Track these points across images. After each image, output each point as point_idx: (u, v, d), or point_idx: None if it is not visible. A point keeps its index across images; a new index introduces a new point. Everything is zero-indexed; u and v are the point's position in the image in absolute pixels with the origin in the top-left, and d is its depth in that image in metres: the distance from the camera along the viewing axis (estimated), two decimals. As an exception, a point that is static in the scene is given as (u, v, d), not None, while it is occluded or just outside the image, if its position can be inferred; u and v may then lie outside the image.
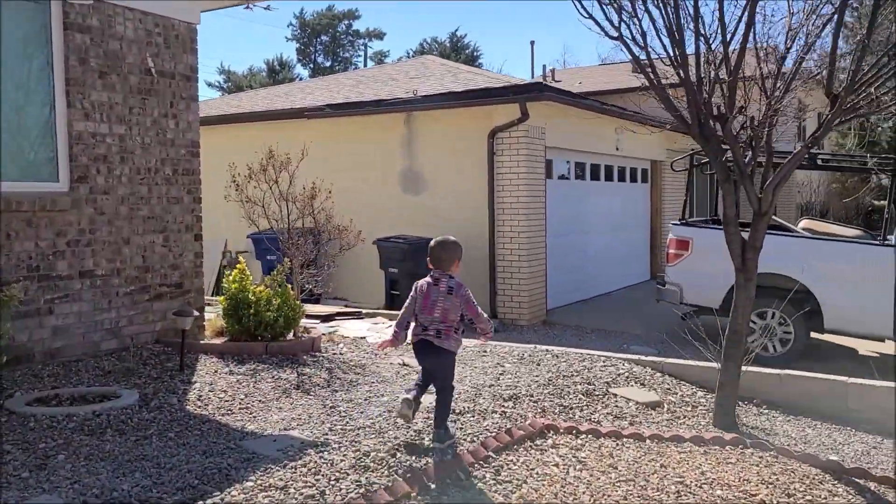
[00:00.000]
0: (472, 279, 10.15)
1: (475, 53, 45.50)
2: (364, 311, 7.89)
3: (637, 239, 14.00)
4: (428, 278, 3.96)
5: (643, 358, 6.29)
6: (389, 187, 10.82)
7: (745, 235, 4.84)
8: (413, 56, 39.98)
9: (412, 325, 3.99)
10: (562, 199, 10.94)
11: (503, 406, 4.77)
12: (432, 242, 4.04)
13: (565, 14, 73.93)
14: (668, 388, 5.73)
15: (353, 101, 11.00)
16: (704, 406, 5.44)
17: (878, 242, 7.76)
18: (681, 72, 4.49)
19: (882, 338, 7.86)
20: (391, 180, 10.82)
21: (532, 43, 35.21)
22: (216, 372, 5.15)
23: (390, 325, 7.25)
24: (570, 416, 4.77)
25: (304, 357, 5.76)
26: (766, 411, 5.53)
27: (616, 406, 5.12)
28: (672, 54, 4.60)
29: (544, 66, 27.88)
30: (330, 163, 10.77)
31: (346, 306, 10.78)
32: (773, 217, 10.57)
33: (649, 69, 4.60)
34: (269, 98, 13.23)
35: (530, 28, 77.26)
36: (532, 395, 5.10)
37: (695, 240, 8.61)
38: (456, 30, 54.41)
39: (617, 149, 12.30)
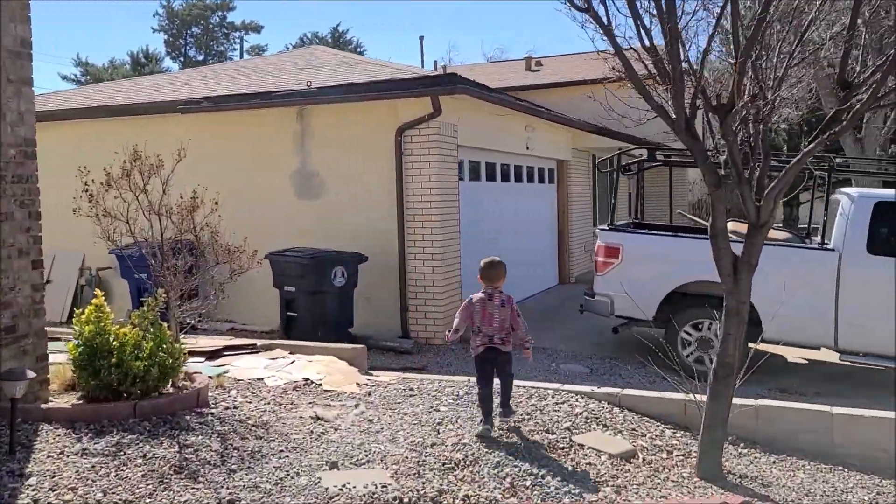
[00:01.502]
0: (379, 294, 9.04)
1: (359, 49, 44.12)
2: (259, 342, 6.59)
3: (545, 243, 13.35)
4: (481, 294, 4.73)
5: (596, 390, 5.43)
6: (282, 192, 9.49)
7: (737, 249, 4.05)
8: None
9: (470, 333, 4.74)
10: (474, 202, 10.02)
11: (459, 480, 3.72)
12: (483, 262, 4.86)
13: (450, 11, 73.72)
14: (635, 429, 4.88)
15: (236, 94, 9.57)
16: (680, 451, 4.62)
17: (816, 246, 7.33)
18: (666, 58, 3.60)
19: (818, 346, 7.44)
20: (284, 184, 9.49)
21: (421, 38, 34.40)
22: (62, 453, 3.76)
23: (293, 361, 6.05)
24: (545, 488, 3.78)
25: (188, 417, 4.45)
26: (746, 451, 4.80)
27: (588, 463, 4.19)
28: (642, 34, 3.73)
29: (435, 63, 27.10)
30: (209, 166, 9.31)
31: (233, 331, 9.37)
32: (697, 220, 10.15)
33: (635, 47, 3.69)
34: (133, 90, 11.47)
35: (415, 25, 76.60)
36: (489, 457, 4.09)
37: (625, 246, 7.92)
38: (338, 25, 52.72)
39: (527, 148, 11.54)
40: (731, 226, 8.87)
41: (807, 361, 8.49)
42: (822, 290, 7.13)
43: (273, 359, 6.13)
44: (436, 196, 8.65)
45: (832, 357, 8.02)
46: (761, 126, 3.75)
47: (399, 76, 9.02)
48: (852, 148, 16.18)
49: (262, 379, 5.60)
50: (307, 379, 5.62)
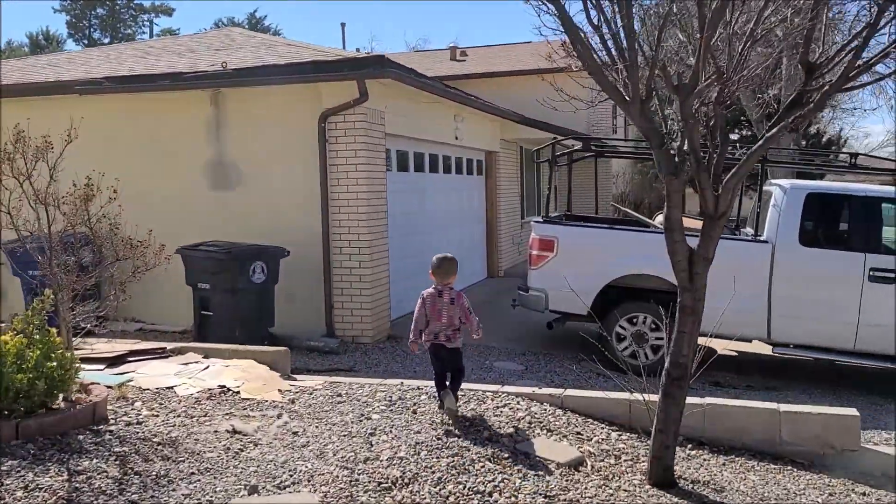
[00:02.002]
0: (302, 291, 8.50)
1: (278, 35, 42.71)
2: (170, 345, 5.98)
3: (474, 235, 13.07)
4: (432, 290, 4.78)
5: (538, 391, 5.12)
6: (196, 182, 8.81)
7: (692, 243, 3.80)
8: (209, 36, 36.41)
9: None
10: (401, 193, 9.60)
11: (397, 503, 3.32)
12: (435, 259, 4.89)
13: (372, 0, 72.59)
14: (580, 433, 4.59)
15: (141, 74, 8.79)
16: (629, 455, 4.37)
17: (750, 238, 7.28)
18: (617, 28, 3.28)
19: (752, 339, 7.41)
20: (197, 174, 8.80)
21: (343, 25, 33.49)
22: (-78, 488, 3.15)
23: (207, 367, 5.49)
24: (493, 508, 3.43)
25: (82, 437, 3.87)
26: (694, 452, 4.60)
27: (537, 475, 3.86)
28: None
29: (357, 51, 26.43)
30: (113, 154, 8.57)
31: (142, 332, 8.66)
32: (630, 212, 10.05)
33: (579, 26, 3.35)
34: (26, 69, 10.46)
35: (337, 13, 75.20)
36: (429, 473, 3.70)
37: (560, 239, 7.68)
38: (255, 11, 50.96)
39: (456, 138, 11.19)
40: (660, 218, 8.82)
41: (737, 354, 8.49)
42: (756, 283, 7.08)
43: (185, 364, 5.55)
44: (363, 187, 8.19)
45: (762, 349, 8.05)
46: (721, 109, 3.50)
47: (323, 58, 8.49)
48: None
49: (173, 387, 5.03)
50: (223, 386, 5.09)
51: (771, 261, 7.03)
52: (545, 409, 4.86)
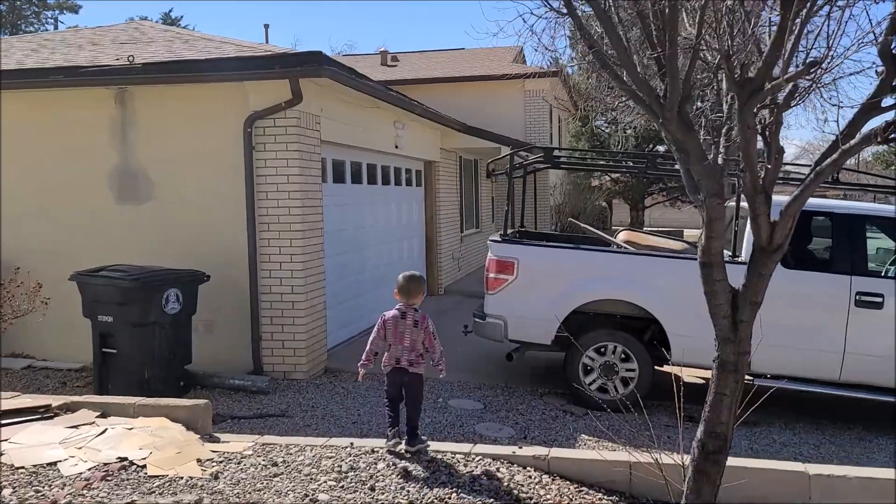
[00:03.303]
0: (225, 320, 7.40)
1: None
2: (55, 401, 4.80)
3: (413, 250, 12.17)
4: (396, 311, 4.42)
5: (519, 452, 4.25)
6: (97, 195, 7.58)
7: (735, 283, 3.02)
8: (121, 35, 34.14)
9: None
10: (338, 207, 8.62)
11: None
12: (401, 277, 4.46)
13: (295, 3, 70.63)
14: (577, 510, 3.76)
15: (31, 69, 7.50)
16: (640, 539, 3.56)
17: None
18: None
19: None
20: (99, 185, 7.58)
21: (266, 27, 31.91)
22: None
23: (105, 430, 4.38)
24: None
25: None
26: (711, 526, 3.83)
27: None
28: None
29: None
30: (-4, 158, 7.26)
31: (29, 369, 7.37)
32: (588, 228, 9.37)
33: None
34: None
35: (258, 15, 73.14)
36: None
37: (521, 261, 6.87)
38: (170, 10, 48.49)
39: (396, 146, 10.27)
40: (623, 236, 8.17)
41: (704, 381, 7.89)
42: (734, 308, 6.45)
43: (75, 427, 4.42)
44: (296, 201, 7.17)
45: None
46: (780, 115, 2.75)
47: (250, 54, 7.43)
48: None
49: (57, 464, 3.91)
50: (124, 459, 4.01)
51: (751, 284, 6.42)
52: (530, 477, 4.00)
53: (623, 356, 6.71)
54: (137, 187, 7.52)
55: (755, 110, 2.59)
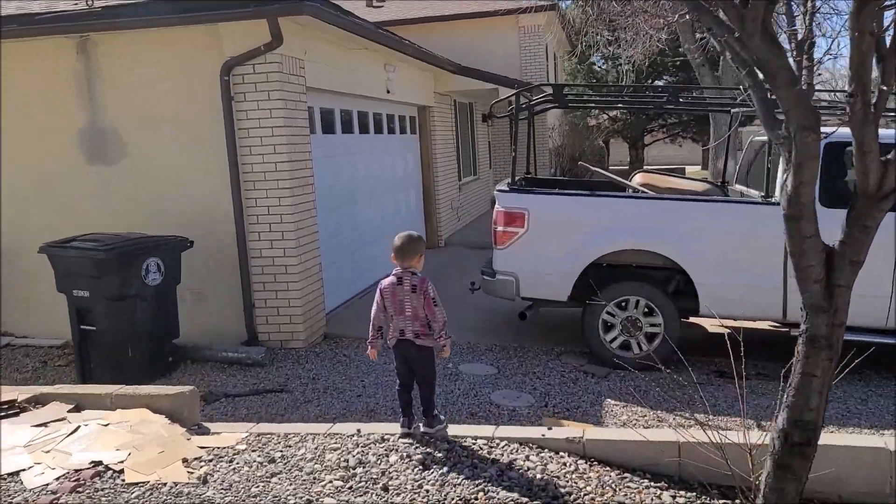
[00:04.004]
0: (214, 289, 6.84)
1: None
2: (21, 394, 4.25)
3: (410, 202, 11.54)
4: (392, 277, 3.92)
5: (549, 435, 3.74)
6: (65, 157, 6.93)
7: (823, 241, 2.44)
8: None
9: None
10: (328, 160, 7.97)
11: None
12: (396, 238, 3.93)
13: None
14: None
15: (-19, 19, 6.74)
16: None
17: (759, 200, 6.08)
18: None
19: (765, 319, 6.27)
20: (67, 146, 6.92)
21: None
22: None
23: (77, 428, 3.85)
24: None
25: None
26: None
27: None
28: None
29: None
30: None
31: (8, 348, 6.85)
32: (601, 171, 8.75)
33: None
34: None
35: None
36: None
37: (532, 212, 6.28)
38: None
39: (388, 91, 9.55)
40: (639, 179, 7.56)
41: (729, 331, 7.40)
42: (769, 254, 5.90)
43: (44, 424, 3.90)
44: (282, 155, 6.52)
45: (756, 325, 6.98)
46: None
47: (221, -8, 6.66)
48: (710, 84, 15.68)
49: (20, 473, 3.40)
50: (98, 463, 3.50)
51: (786, 227, 5.85)
52: (565, 465, 3.50)
53: (646, 310, 6.19)
54: (108, 147, 6.85)
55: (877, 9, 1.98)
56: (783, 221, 2.41)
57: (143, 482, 3.35)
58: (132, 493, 3.25)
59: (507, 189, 6.44)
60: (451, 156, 13.36)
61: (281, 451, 3.68)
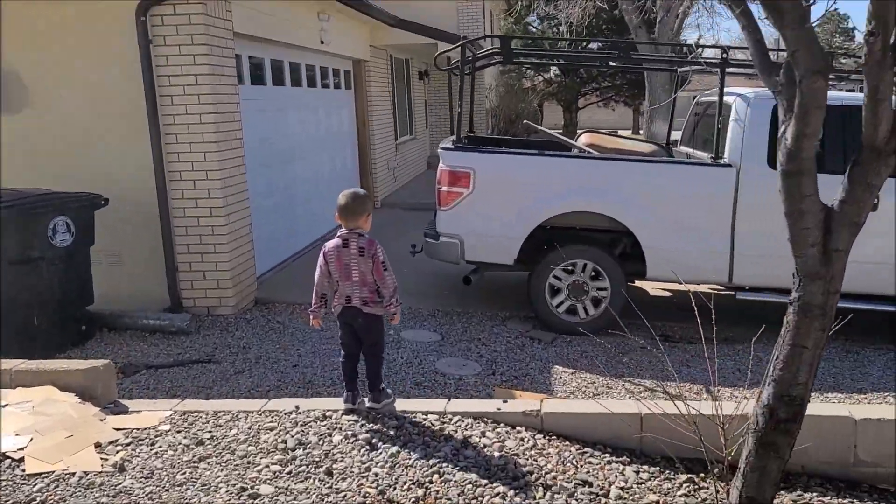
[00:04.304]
0: (132, 250, 6.28)
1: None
2: None
3: (346, 161, 11.06)
4: (337, 239, 3.57)
5: (504, 408, 3.48)
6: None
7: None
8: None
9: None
10: (258, 113, 7.43)
11: None
12: (341, 197, 3.57)
13: None
14: (587, 482, 3.05)
15: None
16: (666, 512, 2.89)
17: (709, 162, 5.93)
18: None
19: (711, 283, 6.18)
20: (-43, 90, 6.15)
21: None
22: None
23: None
24: None
25: None
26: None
27: None
28: None
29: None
30: None
31: None
32: (546, 130, 8.47)
33: None
34: None
35: None
36: None
37: (478, 171, 5.97)
38: None
39: (322, 42, 8.99)
40: (585, 139, 7.33)
41: (670, 294, 7.37)
42: (717, 216, 5.80)
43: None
44: (208, 107, 5.98)
45: (697, 288, 6.92)
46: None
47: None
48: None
49: None
50: (-5, 452, 3.04)
51: (735, 188, 5.75)
52: (523, 441, 3.26)
53: (593, 274, 6.01)
54: (11, 94, 6.13)
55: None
56: (780, 179, 2.18)
57: (48, 472, 2.92)
58: (34, 486, 2.83)
59: (452, 147, 6.09)
60: (388, 113, 12.88)
61: (210, 432, 3.31)
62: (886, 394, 4.97)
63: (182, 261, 6.24)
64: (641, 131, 22.91)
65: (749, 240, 5.77)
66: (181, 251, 6.23)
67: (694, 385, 4.99)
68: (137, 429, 3.34)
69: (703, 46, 6.85)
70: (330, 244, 3.56)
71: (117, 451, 3.13)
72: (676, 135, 8.04)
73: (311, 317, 3.63)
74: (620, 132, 27.49)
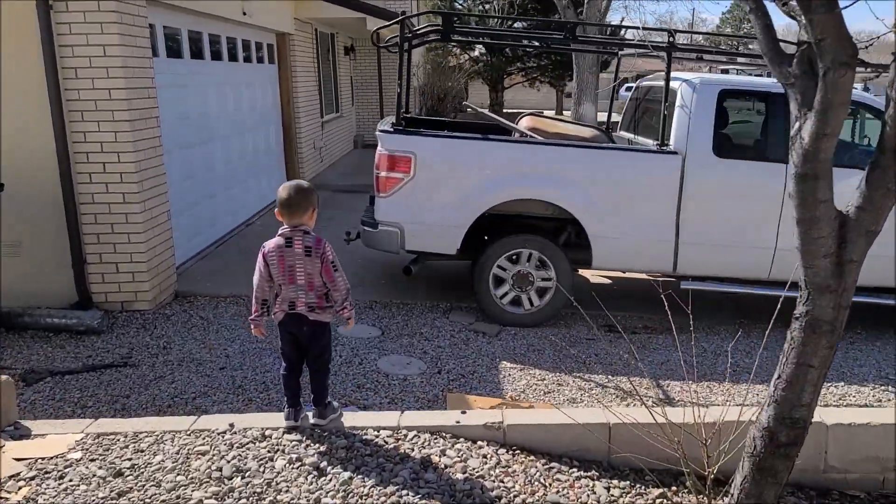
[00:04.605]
0: (33, 240, 5.65)
1: None
2: None
3: (270, 140, 10.46)
4: (278, 238, 3.15)
5: (464, 422, 3.19)
6: None
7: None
8: None
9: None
10: (176, 90, 6.82)
11: None
12: (282, 190, 3.16)
13: None
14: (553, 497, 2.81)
15: None
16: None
17: (654, 149, 5.77)
18: None
19: (656, 272, 6.07)
20: None
21: None
22: None
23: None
24: None
25: None
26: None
27: None
28: None
29: None
30: None
31: None
32: (487, 112, 8.15)
33: None
34: None
35: None
36: None
37: (419, 155, 5.62)
38: None
39: (244, 13, 8.38)
40: (527, 122, 7.07)
41: (610, 281, 7.26)
42: (661, 205, 5.68)
43: None
44: (118, 80, 5.38)
45: (637, 276, 6.85)
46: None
47: None
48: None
49: None
50: None
51: (681, 176, 5.63)
52: (485, 457, 2.99)
53: (538, 264, 5.80)
54: None
55: None
56: (793, 182, 1.96)
57: (-68, 521, 2.45)
58: (-86, 540, 2.36)
59: (391, 130, 5.72)
60: (313, 90, 12.30)
61: (130, 459, 2.89)
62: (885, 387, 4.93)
63: (91, 252, 5.65)
64: (567, 112, 23.01)
65: (693, 228, 5.68)
66: (90, 241, 5.64)
67: (644, 379, 4.85)
68: (43, 458, 2.88)
69: (650, 29, 6.68)
70: (270, 244, 3.15)
71: (19, 488, 2.68)
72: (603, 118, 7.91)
73: (253, 326, 3.23)
74: (546, 113, 27.53)
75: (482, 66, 26.99)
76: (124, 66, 5.38)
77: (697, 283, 5.77)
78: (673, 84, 5.83)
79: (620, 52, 7.19)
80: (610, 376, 4.92)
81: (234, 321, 5.67)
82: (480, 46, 27.28)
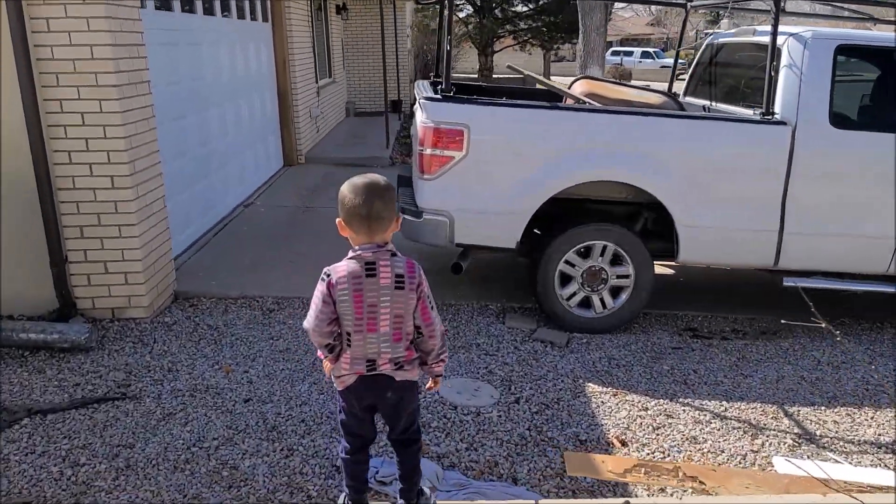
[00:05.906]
0: (5, 239, 4.59)
1: None
2: None
3: (266, 108, 9.33)
4: (352, 263, 2.11)
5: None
6: None
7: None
8: None
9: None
10: (166, 49, 5.71)
11: None
12: (348, 189, 2.11)
13: None
14: None
15: None
16: None
17: (758, 118, 4.81)
18: None
19: (755, 267, 5.12)
20: None
21: None
22: None
23: None
24: None
25: None
26: None
27: None
28: None
29: None
30: None
31: None
32: (539, 78, 7.10)
33: None
34: None
35: None
36: None
37: (473, 129, 4.60)
38: None
39: (240, -42, 7.21)
40: (581, 87, 6.07)
41: (673, 272, 6.37)
42: (765, 186, 4.74)
43: None
44: (103, 35, 4.27)
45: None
46: None
47: None
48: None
49: None
50: None
51: (790, 152, 4.68)
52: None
53: (613, 258, 4.86)
54: None
55: None
56: None
57: None
58: None
59: (440, 97, 4.67)
60: (308, 52, 11.12)
61: None
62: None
63: (74, 248, 4.59)
64: (559, 78, 21.92)
65: (802, 214, 4.76)
66: (72, 235, 4.57)
67: (760, 404, 3.97)
68: None
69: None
70: (340, 271, 2.13)
71: None
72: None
73: (326, 368, 2.27)
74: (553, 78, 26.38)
75: (472, 27, 25.67)
76: (108, 18, 4.27)
77: (804, 279, 4.88)
78: (787, 41, 4.81)
79: (690, 4, 6.18)
80: (723, 402, 4.03)
81: (251, 331, 4.68)
82: (468, 7, 25.98)
